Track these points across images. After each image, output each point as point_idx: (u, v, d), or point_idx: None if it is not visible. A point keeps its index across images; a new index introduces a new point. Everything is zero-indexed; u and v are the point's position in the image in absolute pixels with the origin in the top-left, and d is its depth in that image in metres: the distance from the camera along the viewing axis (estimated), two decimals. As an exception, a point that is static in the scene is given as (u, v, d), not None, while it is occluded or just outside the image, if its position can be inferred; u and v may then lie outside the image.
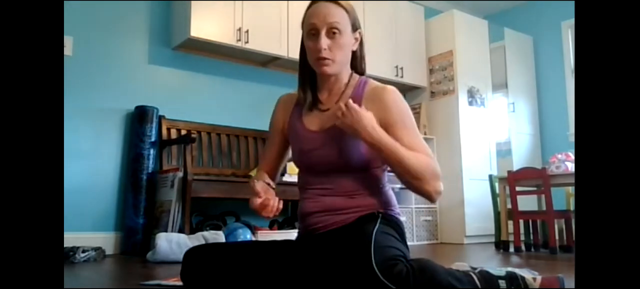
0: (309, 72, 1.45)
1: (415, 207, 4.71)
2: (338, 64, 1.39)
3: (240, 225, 3.29)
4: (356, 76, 1.46)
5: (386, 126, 1.32)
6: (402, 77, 4.88)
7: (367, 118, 1.26)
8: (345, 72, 1.45)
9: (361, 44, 1.48)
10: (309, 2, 1.43)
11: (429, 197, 1.30)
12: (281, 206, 1.30)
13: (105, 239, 3.34)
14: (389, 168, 1.42)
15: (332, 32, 1.35)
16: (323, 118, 1.42)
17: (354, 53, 1.46)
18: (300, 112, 1.48)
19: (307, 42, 1.40)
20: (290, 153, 1.56)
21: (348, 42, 1.40)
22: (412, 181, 1.28)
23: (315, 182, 1.40)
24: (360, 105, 1.32)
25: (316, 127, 1.42)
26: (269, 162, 1.54)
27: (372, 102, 1.36)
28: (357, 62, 1.48)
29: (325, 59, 1.35)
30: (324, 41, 1.35)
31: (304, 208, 1.42)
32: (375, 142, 1.26)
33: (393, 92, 1.38)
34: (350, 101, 1.28)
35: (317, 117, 1.44)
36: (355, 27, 1.43)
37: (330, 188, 1.37)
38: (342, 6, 1.39)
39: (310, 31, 1.38)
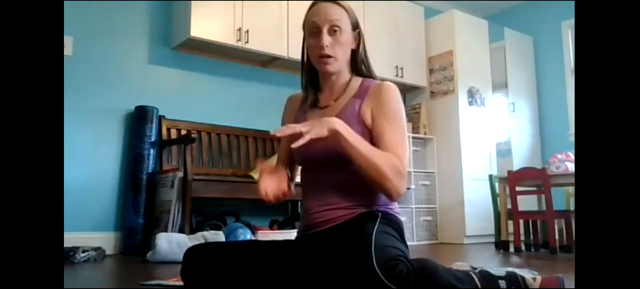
0: (311, 72, 1.50)
1: (415, 207, 4.71)
2: (340, 62, 1.43)
3: (240, 225, 3.29)
4: (359, 78, 1.49)
5: (374, 117, 1.38)
6: (402, 77, 4.88)
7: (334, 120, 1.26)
8: (346, 71, 1.49)
9: (362, 44, 1.50)
10: (309, 2, 1.47)
11: (389, 195, 1.30)
12: (287, 188, 1.29)
13: (105, 239, 3.34)
14: None
15: (333, 30, 1.41)
16: (323, 115, 1.44)
17: (355, 53, 1.49)
18: (305, 111, 1.51)
19: (309, 40, 1.45)
20: None
21: (348, 40, 1.45)
22: (374, 177, 1.27)
23: (317, 178, 1.42)
24: (361, 104, 1.39)
25: None
26: (282, 162, 1.54)
27: (372, 98, 1.41)
28: (358, 63, 1.50)
29: (328, 56, 1.40)
30: (326, 38, 1.39)
31: (306, 203, 1.44)
32: (348, 141, 1.26)
33: (389, 88, 1.42)
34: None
35: (318, 114, 1.46)
36: (354, 27, 1.47)
37: (331, 183, 1.39)
38: (342, 6, 1.44)
39: (312, 30, 1.42)
